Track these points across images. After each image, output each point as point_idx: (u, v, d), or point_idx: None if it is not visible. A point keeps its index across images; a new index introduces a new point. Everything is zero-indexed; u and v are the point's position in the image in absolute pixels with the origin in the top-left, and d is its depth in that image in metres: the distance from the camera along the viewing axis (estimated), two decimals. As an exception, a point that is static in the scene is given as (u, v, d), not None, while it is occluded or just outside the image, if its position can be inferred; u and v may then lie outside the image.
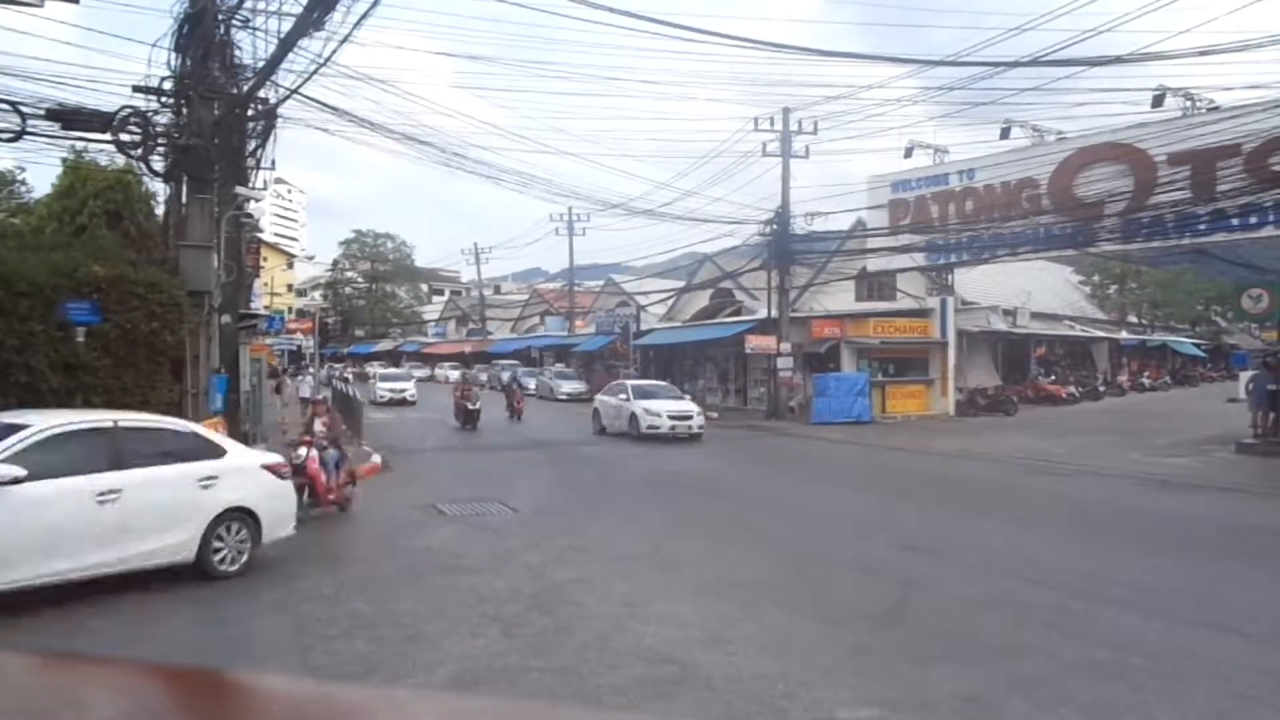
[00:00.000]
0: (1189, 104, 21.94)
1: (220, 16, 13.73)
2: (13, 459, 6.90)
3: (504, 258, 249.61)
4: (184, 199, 13.69)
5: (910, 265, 29.95)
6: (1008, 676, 5.79)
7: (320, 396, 15.59)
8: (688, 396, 26.52)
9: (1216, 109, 21.26)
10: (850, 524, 11.62)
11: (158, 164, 13.77)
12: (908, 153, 29.06)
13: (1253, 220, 21.30)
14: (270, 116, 14.78)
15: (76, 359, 11.78)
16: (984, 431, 24.46)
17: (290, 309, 65.36)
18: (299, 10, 11.57)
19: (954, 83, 29.08)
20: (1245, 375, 22.10)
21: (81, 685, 1.19)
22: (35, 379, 11.43)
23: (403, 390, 37.51)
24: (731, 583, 8.41)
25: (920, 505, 13.31)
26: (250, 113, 14.51)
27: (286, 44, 12.25)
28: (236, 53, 14.34)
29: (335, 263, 78.71)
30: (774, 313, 30.09)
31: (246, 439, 15.94)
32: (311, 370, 37.96)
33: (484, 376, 49.41)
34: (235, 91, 14.10)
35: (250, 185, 15.09)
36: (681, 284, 41.96)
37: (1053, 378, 37.06)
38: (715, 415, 30.81)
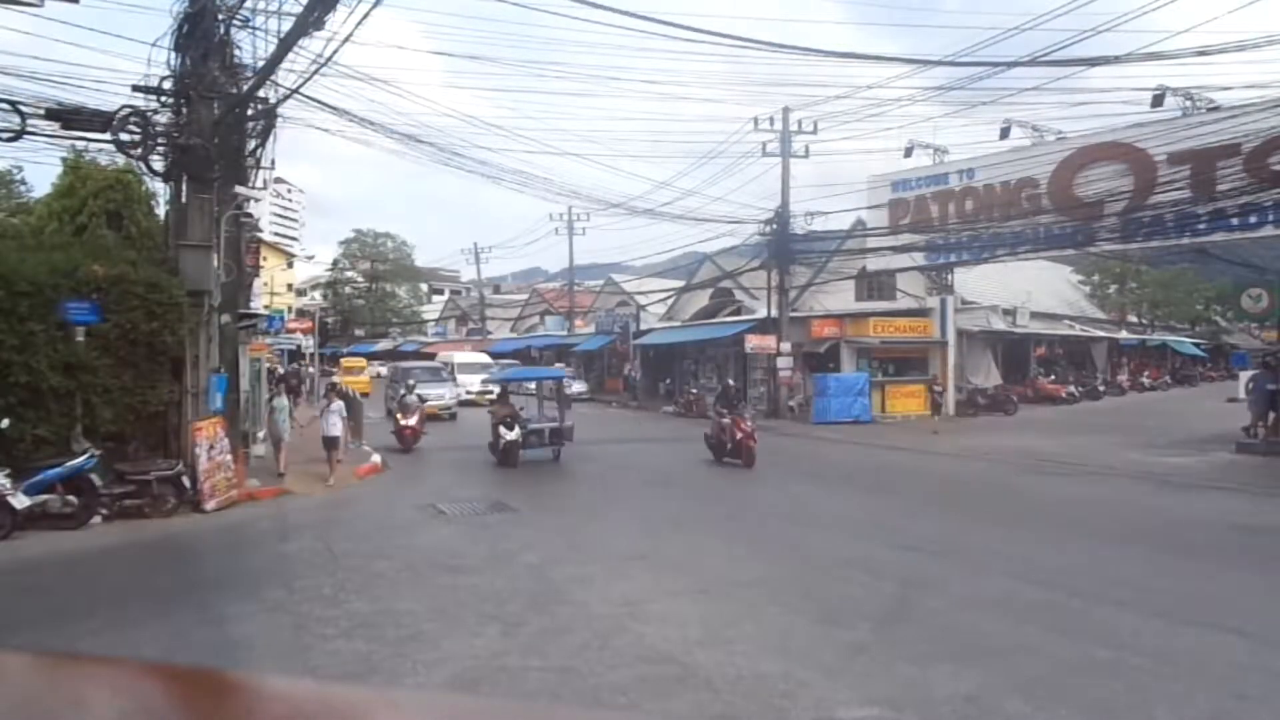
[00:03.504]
0: (1189, 104, 21.93)
1: (220, 16, 13.71)
2: None
3: (504, 257, 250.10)
4: (184, 199, 13.68)
5: (910, 265, 29.95)
6: (1008, 676, 5.79)
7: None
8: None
9: (1216, 109, 21.25)
10: (850, 524, 11.62)
11: (158, 164, 13.76)
12: (907, 152, 29.06)
13: (1253, 220, 21.28)
14: (270, 116, 14.76)
15: (76, 359, 11.79)
16: (984, 431, 24.47)
17: (290, 309, 65.25)
18: (299, 10, 11.57)
19: (954, 82, 29.07)
20: (1245, 375, 22.10)
21: (81, 685, 1.19)
22: (35, 379, 11.45)
23: None
24: (731, 583, 8.41)
25: (920, 505, 13.31)
26: (250, 112, 14.49)
27: (286, 44, 12.24)
28: (236, 52, 14.32)
29: (335, 262, 78.63)
30: (774, 312, 30.09)
31: (246, 439, 15.96)
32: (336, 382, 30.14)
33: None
34: (235, 91, 14.08)
35: (250, 185, 15.07)
36: (681, 284, 41.93)
37: (1052, 377, 37.06)
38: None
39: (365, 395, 33.48)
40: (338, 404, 15.91)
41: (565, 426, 18.28)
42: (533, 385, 23.37)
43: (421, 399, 24.71)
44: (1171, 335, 50.91)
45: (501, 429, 17.10)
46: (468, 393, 32.66)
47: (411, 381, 23.40)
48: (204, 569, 9.47)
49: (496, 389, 21.38)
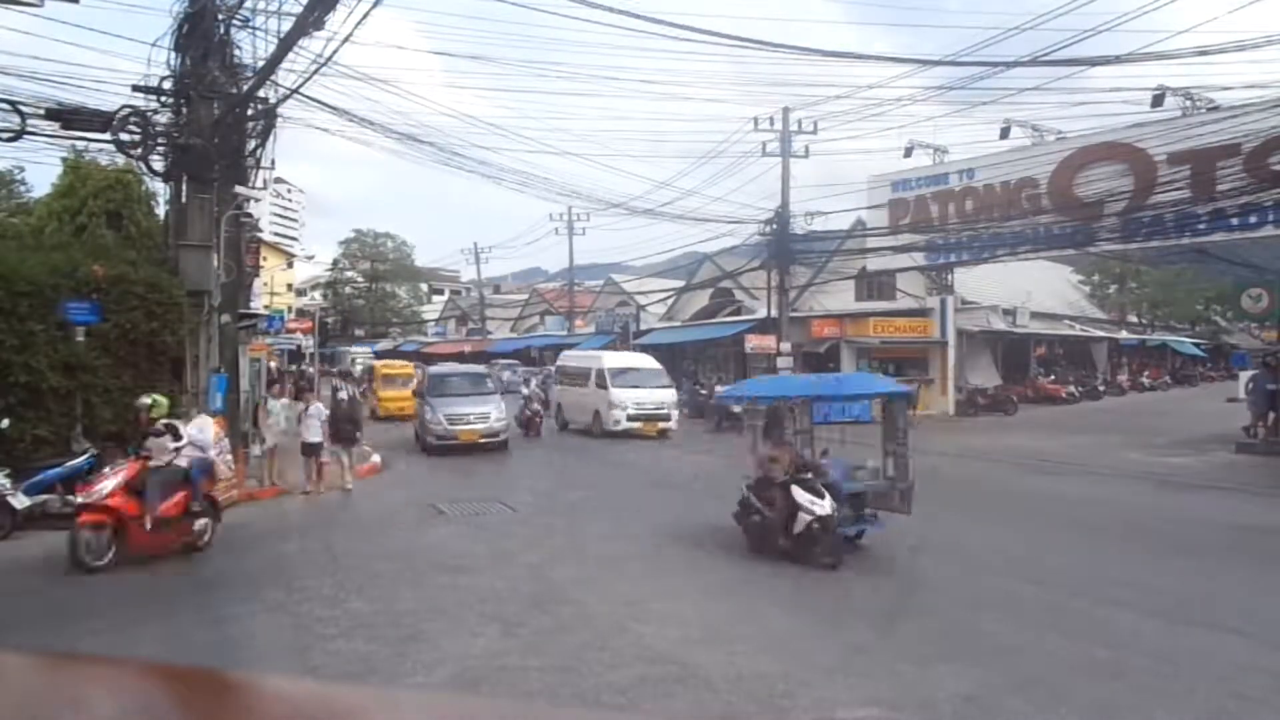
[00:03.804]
0: (1189, 104, 21.94)
1: (220, 16, 13.73)
2: None
3: (504, 257, 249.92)
4: (184, 199, 13.69)
5: (910, 265, 29.94)
6: (1008, 676, 5.79)
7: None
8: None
9: (1216, 109, 21.25)
10: (850, 524, 11.59)
11: (158, 164, 13.78)
12: (907, 152, 29.06)
13: (1253, 220, 21.29)
14: (270, 116, 14.76)
15: (76, 359, 11.79)
16: (984, 431, 24.46)
17: (290, 309, 65.23)
18: (299, 10, 11.57)
19: (954, 82, 29.13)
20: (1245, 375, 22.11)
21: (81, 685, 1.19)
22: (35, 379, 11.45)
23: None
24: (731, 582, 8.41)
25: (919, 505, 13.29)
26: (250, 112, 14.49)
27: (286, 44, 12.24)
28: (236, 52, 14.34)
29: (335, 262, 78.63)
30: (774, 312, 30.09)
31: (246, 439, 15.94)
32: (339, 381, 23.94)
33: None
34: (235, 91, 14.09)
35: (250, 185, 15.07)
36: (681, 284, 41.94)
37: (1052, 377, 37.05)
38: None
39: (409, 418, 23.40)
40: (315, 407, 14.58)
41: (904, 486, 10.58)
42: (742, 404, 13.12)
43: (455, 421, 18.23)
44: (1171, 335, 50.89)
45: (798, 495, 9.12)
46: (628, 417, 22.25)
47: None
48: (204, 569, 9.46)
49: (739, 407, 13.65)
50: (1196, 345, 51.94)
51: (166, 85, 13.40)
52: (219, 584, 8.57)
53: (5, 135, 12.04)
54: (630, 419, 22.20)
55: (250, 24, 14.23)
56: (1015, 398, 30.73)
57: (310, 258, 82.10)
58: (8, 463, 10.86)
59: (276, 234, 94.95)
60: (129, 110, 12.86)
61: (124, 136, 12.82)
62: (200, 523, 9.70)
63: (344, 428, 14.76)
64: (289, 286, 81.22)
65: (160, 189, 16.30)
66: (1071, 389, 35.24)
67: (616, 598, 7.74)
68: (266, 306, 33.97)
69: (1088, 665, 6.03)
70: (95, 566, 8.53)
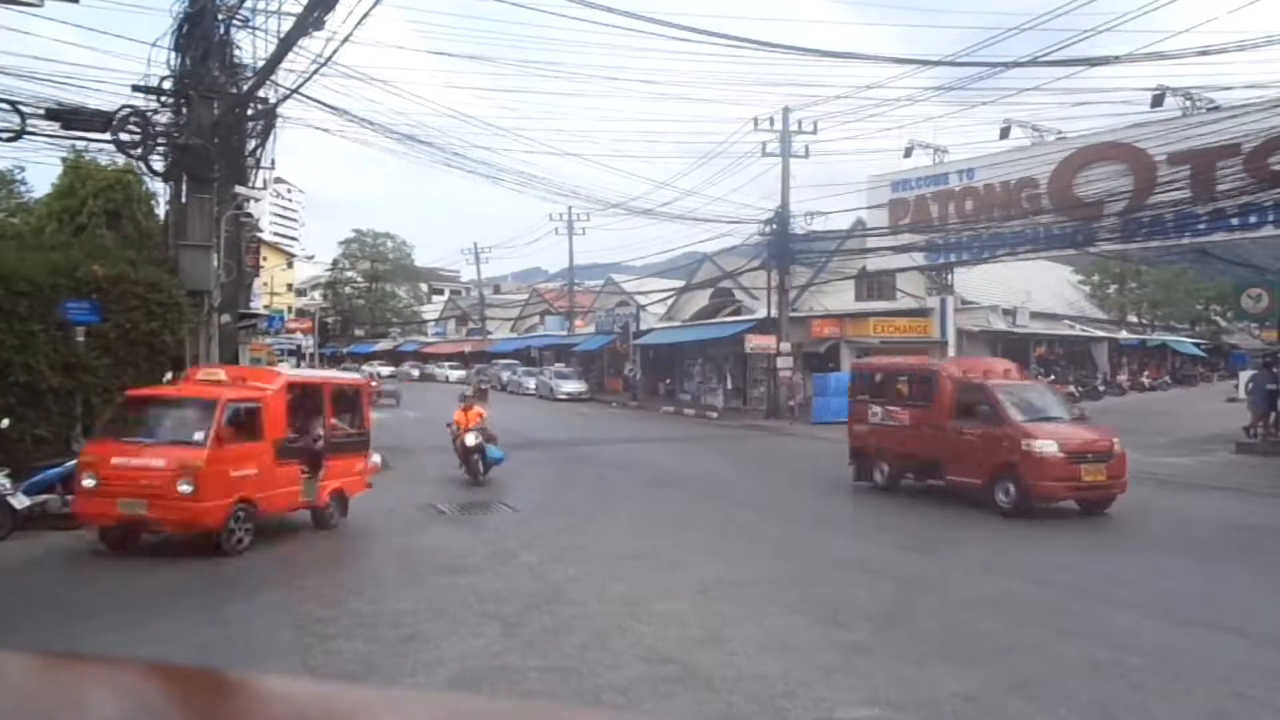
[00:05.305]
0: (1189, 104, 21.92)
1: (220, 16, 13.73)
2: None
3: (504, 257, 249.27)
4: (184, 199, 13.69)
5: (910, 265, 29.94)
6: (1008, 676, 5.79)
7: None
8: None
9: (1216, 109, 21.24)
10: (850, 524, 11.63)
11: (158, 164, 13.79)
12: (907, 152, 29.04)
13: (1253, 220, 21.29)
14: (270, 116, 14.77)
15: (76, 359, 11.79)
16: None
17: (290, 309, 65.23)
18: (299, 10, 11.58)
19: (954, 82, 29.16)
20: (1245, 375, 22.11)
21: (81, 685, 1.19)
22: (35, 379, 11.44)
23: None
24: (731, 583, 8.41)
25: (920, 505, 13.30)
26: (250, 112, 14.50)
27: (286, 44, 12.26)
28: (236, 52, 14.34)
29: (335, 262, 78.59)
30: (774, 312, 30.08)
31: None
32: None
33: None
34: (235, 91, 14.09)
35: (250, 185, 15.07)
36: (681, 284, 41.92)
37: (1052, 377, 37.02)
38: (715, 415, 30.82)
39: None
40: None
41: None
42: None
43: None
44: (1171, 335, 50.89)
45: None
46: None
47: None
48: (204, 569, 9.46)
49: None
50: (1196, 345, 51.96)
51: (166, 85, 13.40)
52: (219, 584, 8.57)
53: (5, 135, 12.03)
54: None
55: (250, 24, 14.24)
56: (1015, 398, 30.66)
57: (310, 258, 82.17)
58: (8, 463, 10.85)
59: (276, 234, 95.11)
60: (129, 110, 12.86)
61: (124, 136, 12.82)
62: None
63: None
64: (289, 286, 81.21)
65: (160, 189, 16.30)
66: (1071, 389, 35.21)
67: (616, 598, 7.74)
68: (266, 306, 34.01)
69: (1088, 665, 6.02)
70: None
